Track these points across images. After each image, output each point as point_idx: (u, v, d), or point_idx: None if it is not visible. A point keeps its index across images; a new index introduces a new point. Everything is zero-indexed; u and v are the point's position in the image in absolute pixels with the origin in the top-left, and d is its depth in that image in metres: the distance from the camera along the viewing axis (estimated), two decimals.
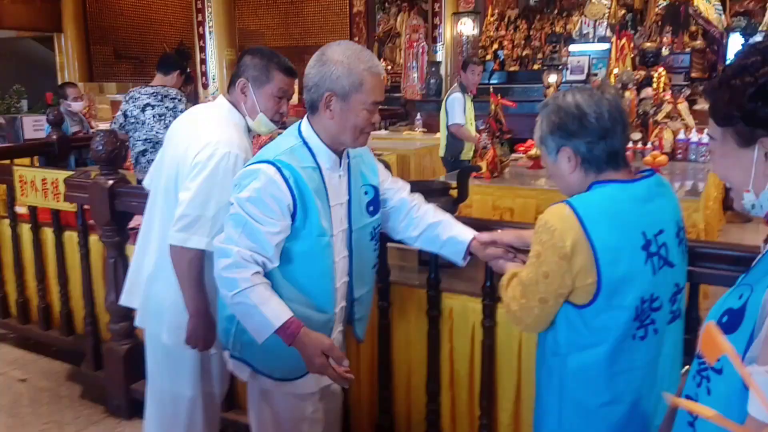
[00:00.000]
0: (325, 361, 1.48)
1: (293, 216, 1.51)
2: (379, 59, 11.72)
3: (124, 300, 2.08)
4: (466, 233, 1.71)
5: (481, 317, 1.99)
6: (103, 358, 2.91)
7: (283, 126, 1.86)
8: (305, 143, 1.57)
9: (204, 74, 8.06)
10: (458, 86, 5.05)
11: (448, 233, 1.72)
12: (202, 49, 8.02)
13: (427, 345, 2.11)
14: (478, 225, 1.76)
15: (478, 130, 4.83)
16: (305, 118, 1.60)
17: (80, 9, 9.68)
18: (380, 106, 1.55)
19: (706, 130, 1.01)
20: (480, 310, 1.99)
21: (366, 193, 1.68)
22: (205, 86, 8.02)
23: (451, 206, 2.35)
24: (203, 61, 8.03)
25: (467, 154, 5.02)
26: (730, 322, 0.93)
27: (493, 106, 4.17)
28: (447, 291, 2.09)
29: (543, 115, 1.37)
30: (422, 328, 2.11)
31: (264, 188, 1.49)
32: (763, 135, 0.93)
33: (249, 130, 1.90)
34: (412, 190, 1.82)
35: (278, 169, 1.50)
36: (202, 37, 8.02)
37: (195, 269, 1.77)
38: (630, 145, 4.74)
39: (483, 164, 3.85)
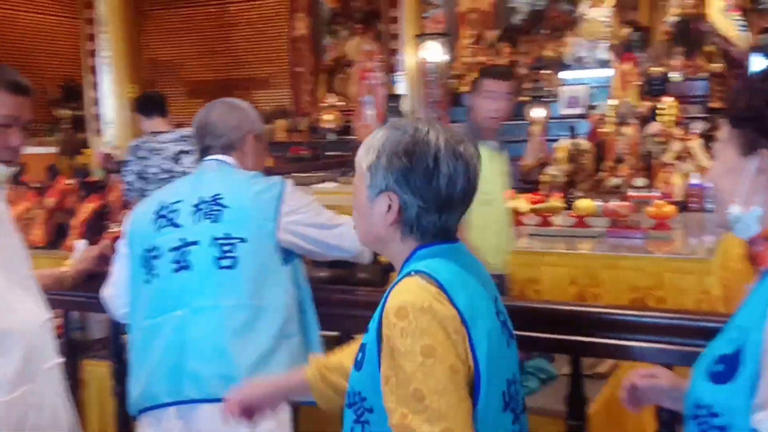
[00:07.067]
0: None
1: None
2: (329, 93, 11.98)
3: None
4: None
5: None
6: None
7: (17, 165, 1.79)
8: None
9: (97, 118, 8.08)
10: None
11: None
12: (95, 86, 8.07)
13: None
14: None
15: None
16: None
17: None
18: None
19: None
20: None
21: None
22: (99, 132, 8.02)
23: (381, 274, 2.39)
24: (96, 102, 8.06)
25: None
26: (726, 371, 1.06)
27: None
28: None
29: (391, 137, 1.26)
30: None
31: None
32: (766, 146, 1.11)
33: None
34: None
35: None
36: (93, 70, 8.08)
37: None
38: (633, 193, 4.86)
39: None
